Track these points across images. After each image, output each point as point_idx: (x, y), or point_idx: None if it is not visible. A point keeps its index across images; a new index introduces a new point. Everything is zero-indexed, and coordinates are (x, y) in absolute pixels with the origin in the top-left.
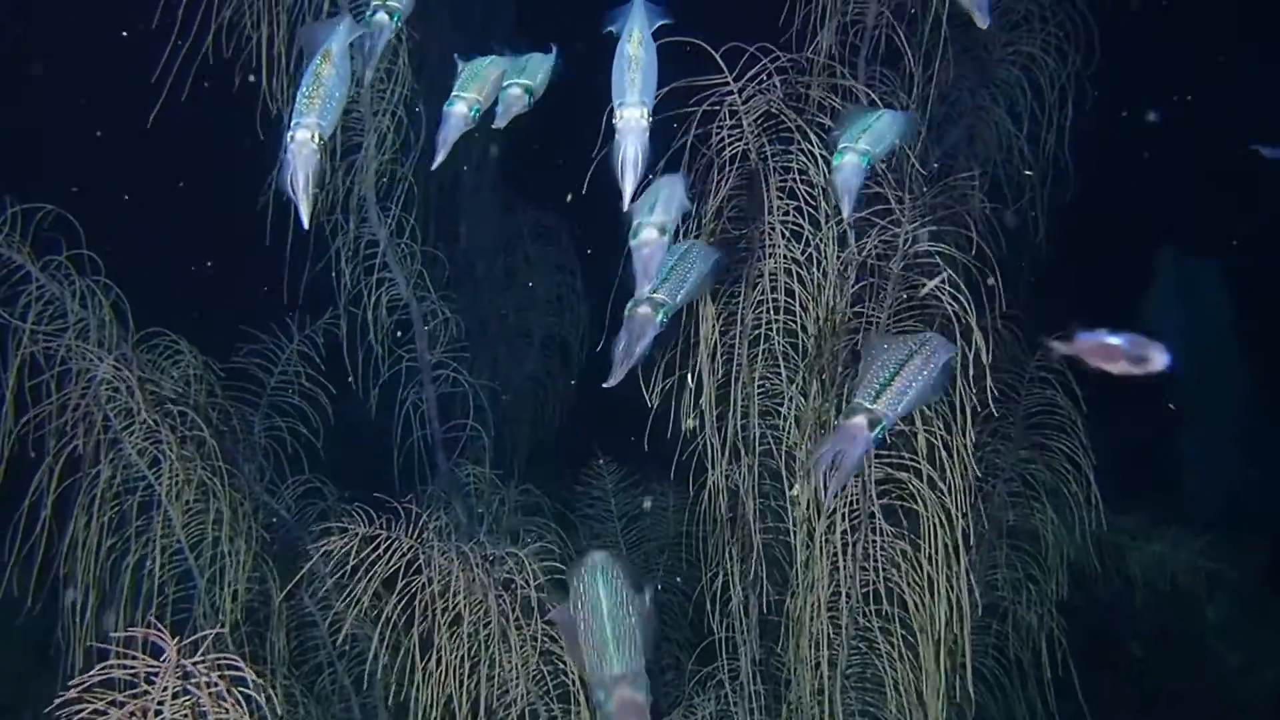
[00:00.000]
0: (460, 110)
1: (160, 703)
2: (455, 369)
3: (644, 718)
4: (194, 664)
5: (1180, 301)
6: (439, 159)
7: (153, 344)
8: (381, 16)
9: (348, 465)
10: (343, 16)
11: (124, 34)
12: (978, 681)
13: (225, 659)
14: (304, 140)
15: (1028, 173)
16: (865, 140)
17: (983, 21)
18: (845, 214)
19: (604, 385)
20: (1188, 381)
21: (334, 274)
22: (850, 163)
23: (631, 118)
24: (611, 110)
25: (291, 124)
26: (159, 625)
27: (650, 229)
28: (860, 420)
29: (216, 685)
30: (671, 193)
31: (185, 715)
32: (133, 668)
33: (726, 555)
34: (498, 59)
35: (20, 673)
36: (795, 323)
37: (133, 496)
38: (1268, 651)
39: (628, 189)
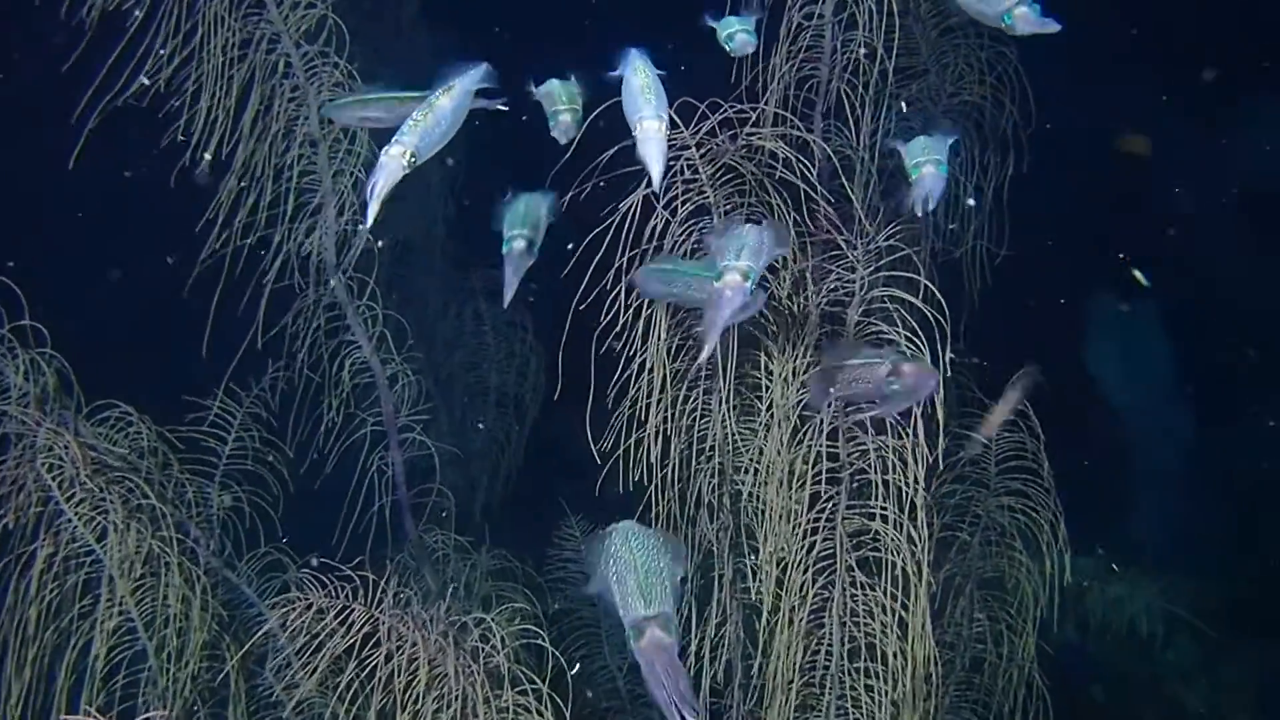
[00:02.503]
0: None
1: None
2: (419, 433)
3: (671, 655)
4: None
5: (1119, 342)
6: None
7: (104, 416)
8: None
9: (309, 535)
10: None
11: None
12: None
13: None
14: (395, 155)
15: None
16: (934, 153)
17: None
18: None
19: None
20: (1133, 422)
21: (289, 338)
22: (930, 172)
23: (651, 128)
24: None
25: (393, 139)
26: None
27: (734, 273)
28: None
29: None
30: (760, 243)
31: None
32: None
33: (701, 614)
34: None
35: None
36: (759, 374)
37: (78, 574)
38: (1227, 694)
39: (656, 175)
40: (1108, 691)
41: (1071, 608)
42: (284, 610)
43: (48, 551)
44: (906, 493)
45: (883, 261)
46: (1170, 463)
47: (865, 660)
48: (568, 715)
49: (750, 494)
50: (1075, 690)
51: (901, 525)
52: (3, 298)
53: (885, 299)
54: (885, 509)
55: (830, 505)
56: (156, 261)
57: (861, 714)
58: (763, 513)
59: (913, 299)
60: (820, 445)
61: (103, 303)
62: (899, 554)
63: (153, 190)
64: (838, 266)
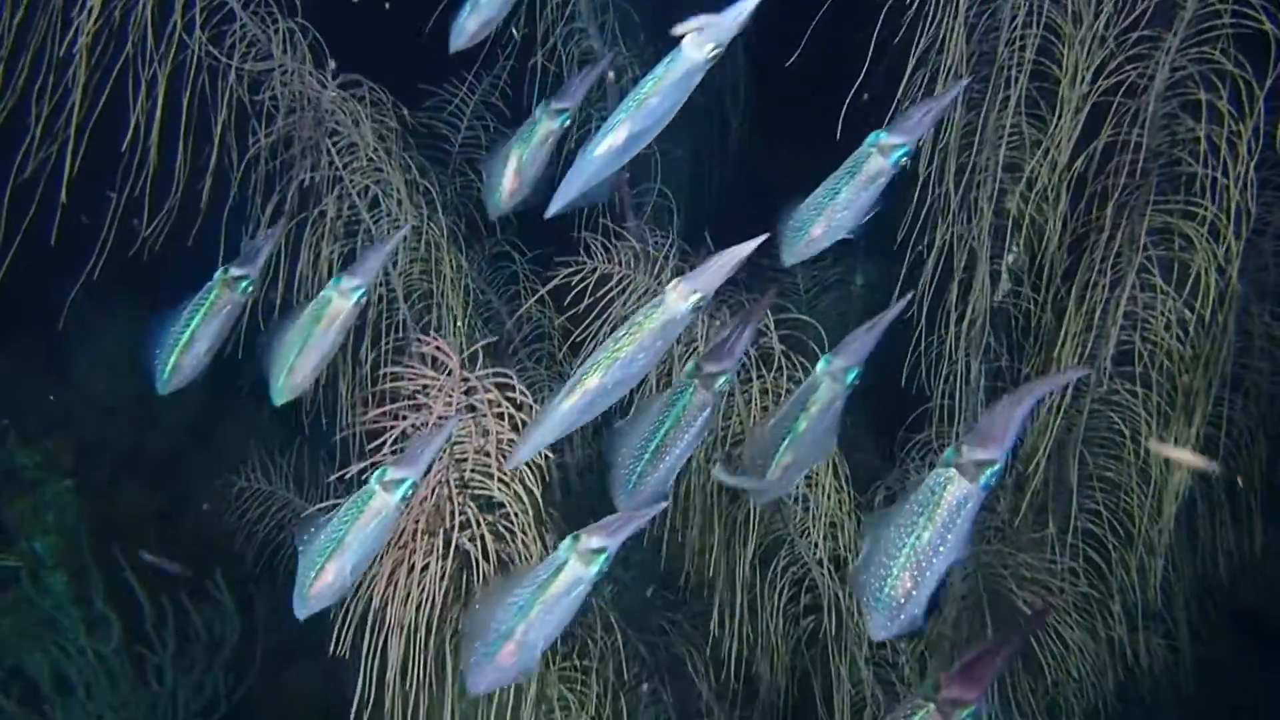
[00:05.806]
0: None
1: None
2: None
3: None
4: (478, 378)
5: None
6: None
7: (351, 93)
8: None
9: (537, 227)
10: None
11: None
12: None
13: (501, 373)
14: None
15: None
16: None
17: None
18: None
19: None
20: None
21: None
22: None
23: None
24: None
25: None
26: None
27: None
28: None
29: (498, 401)
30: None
31: (468, 430)
32: (419, 378)
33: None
34: None
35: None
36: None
37: (351, 241)
38: None
39: None
40: None
41: None
42: (569, 272)
43: (331, 214)
44: (1223, 189)
45: None
46: None
47: (1139, 366)
48: None
49: (1022, 190)
50: None
51: (1216, 226)
52: None
53: None
54: (1196, 203)
55: (1132, 196)
56: None
57: (1124, 421)
58: (1024, 210)
59: None
60: (1121, 134)
61: None
62: (1202, 256)
63: None
64: None
